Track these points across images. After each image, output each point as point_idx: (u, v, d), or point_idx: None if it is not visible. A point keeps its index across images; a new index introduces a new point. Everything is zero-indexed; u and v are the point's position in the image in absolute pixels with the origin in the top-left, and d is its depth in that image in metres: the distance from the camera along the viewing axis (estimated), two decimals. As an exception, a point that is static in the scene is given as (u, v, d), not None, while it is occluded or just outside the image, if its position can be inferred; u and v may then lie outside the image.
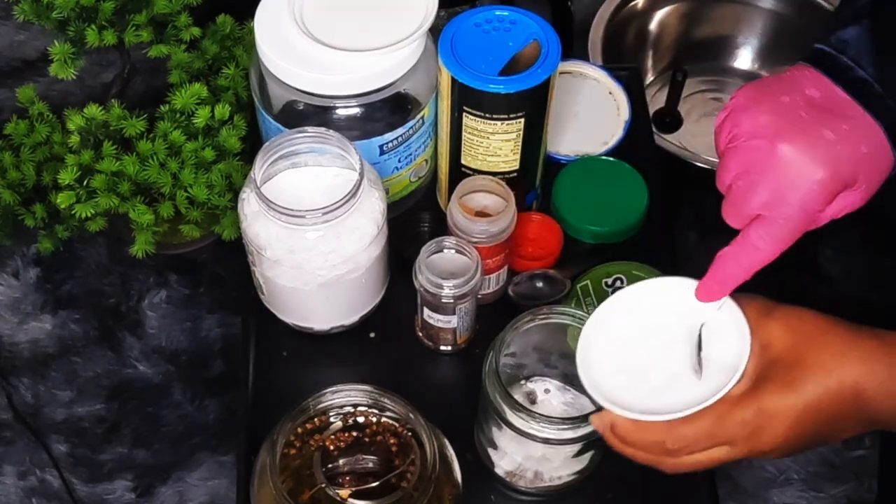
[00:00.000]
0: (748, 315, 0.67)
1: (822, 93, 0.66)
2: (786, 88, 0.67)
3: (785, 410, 0.63)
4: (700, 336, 0.69)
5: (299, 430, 0.76)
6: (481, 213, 0.89)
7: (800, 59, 0.68)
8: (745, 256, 0.67)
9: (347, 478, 0.79)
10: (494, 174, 0.90)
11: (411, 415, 0.75)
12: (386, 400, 0.76)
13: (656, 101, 1.67)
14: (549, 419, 0.74)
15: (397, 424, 0.77)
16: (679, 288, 0.70)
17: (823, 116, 0.65)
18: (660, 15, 1.70)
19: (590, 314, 0.73)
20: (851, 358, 0.63)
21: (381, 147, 0.90)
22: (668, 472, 0.69)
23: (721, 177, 0.68)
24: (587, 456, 0.81)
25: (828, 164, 0.64)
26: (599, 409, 0.70)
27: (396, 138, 0.91)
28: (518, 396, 0.81)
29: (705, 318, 0.69)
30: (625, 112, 1.05)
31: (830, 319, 0.65)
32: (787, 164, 0.64)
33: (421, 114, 0.91)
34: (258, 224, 0.82)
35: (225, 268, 1.56)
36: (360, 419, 0.78)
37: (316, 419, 0.77)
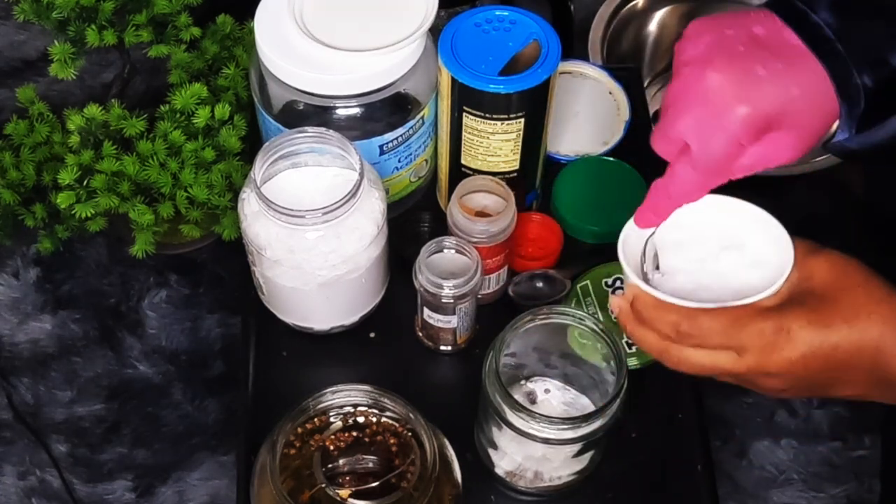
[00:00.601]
0: (797, 248, 0.67)
1: (768, 31, 0.66)
2: (733, 23, 0.67)
3: (805, 338, 0.63)
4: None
5: (299, 430, 0.76)
6: (481, 213, 0.89)
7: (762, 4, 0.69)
8: (672, 186, 0.68)
9: (347, 478, 0.79)
10: (494, 174, 0.90)
11: (411, 415, 0.75)
12: (386, 400, 0.76)
13: (656, 101, 1.67)
14: (549, 419, 0.74)
15: (397, 424, 0.77)
16: (735, 208, 0.70)
17: (760, 53, 0.65)
18: (660, 15, 1.70)
19: (590, 314, 0.74)
20: (881, 313, 0.63)
21: (381, 147, 0.90)
22: (669, 365, 0.68)
23: (664, 98, 0.69)
24: (587, 456, 0.81)
25: (752, 98, 0.64)
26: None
27: (396, 138, 0.91)
28: (518, 396, 0.81)
29: (755, 240, 0.69)
30: (625, 112, 1.05)
31: (873, 271, 0.65)
32: (712, 93, 0.65)
33: (421, 114, 0.91)
34: (258, 224, 0.82)
35: (225, 268, 1.56)
36: (360, 419, 0.78)
37: (316, 419, 0.77)
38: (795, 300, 0.64)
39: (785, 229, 0.68)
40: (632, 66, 1.11)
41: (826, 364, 0.63)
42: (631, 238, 0.71)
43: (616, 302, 0.69)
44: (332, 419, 0.78)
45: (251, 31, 0.98)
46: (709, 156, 0.66)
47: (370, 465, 0.79)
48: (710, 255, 0.69)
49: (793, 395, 0.67)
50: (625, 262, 0.69)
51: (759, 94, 0.64)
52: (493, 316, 0.89)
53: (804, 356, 0.63)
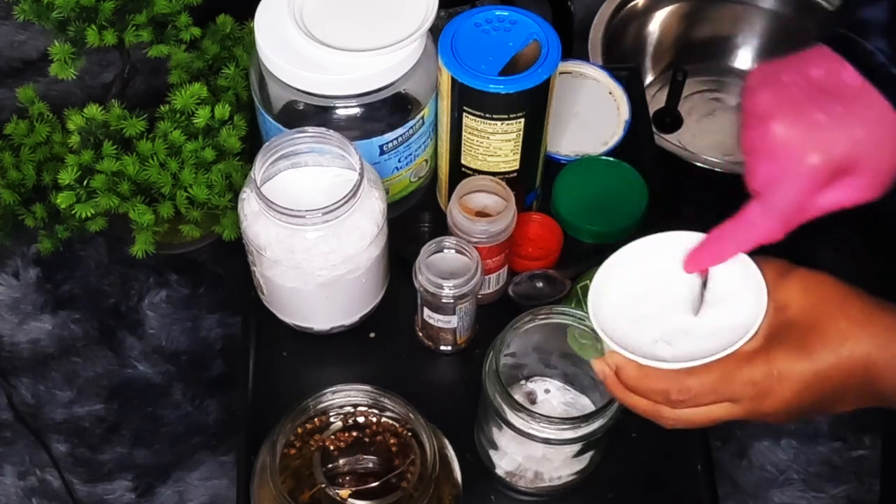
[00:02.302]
0: (766, 275, 0.66)
1: (826, 73, 0.65)
2: (790, 67, 0.66)
3: (795, 375, 0.62)
4: (704, 286, 0.69)
5: (299, 430, 0.76)
6: (481, 213, 0.89)
7: (817, 40, 0.68)
8: (740, 231, 0.67)
9: (347, 478, 0.79)
10: (494, 174, 0.90)
11: (411, 415, 0.75)
12: (386, 400, 0.76)
13: (656, 101, 1.67)
14: (550, 419, 0.74)
15: (397, 424, 0.77)
16: (695, 243, 0.70)
17: (819, 98, 0.64)
18: (660, 15, 1.70)
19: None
20: (867, 330, 0.62)
21: (381, 147, 0.91)
22: (665, 426, 0.68)
23: (741, 147, 0.69)
24: (587, 456, 0.81)
25: (818, 146, 0.64)
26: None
27: (396, 138, 0.91)
28: (518, 396, 0.81)
29: (721, 275, 0.68)
30: (625, 112, 1.05)
31: (849, 287, 0.65)
32: (778, 145, 0.64)
33: (421, 114, 0.91)
34: (258, 224, 0.82)
35: (225, 268, 1.56)
36: (360, 419, 0.78)
37: (316, 419, 0.77)
38: (777, 336, 0.64)
39: (751, 259, 0.67)
40: (632, 66, 1.11)
41: (820, 392, 0.63)
42: (602, 299, 0.70)
43: (599, 368, 0.68)
44: (332, 419, 0.78)
45: (251, 31, 0.98)
46: (782, 206, 0.65)
47: (370, 465, 0.79)
48: (681, 298, 0.69)
49: (795, 420, 0.67)
50: (599, 328, 0.68)
51: (823, 141, 0.64)
52: (493, 316, 0.89)
53: (797, 392, 0.63)
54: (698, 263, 0.69)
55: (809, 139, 0.64)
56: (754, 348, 0.64)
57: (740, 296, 0.67)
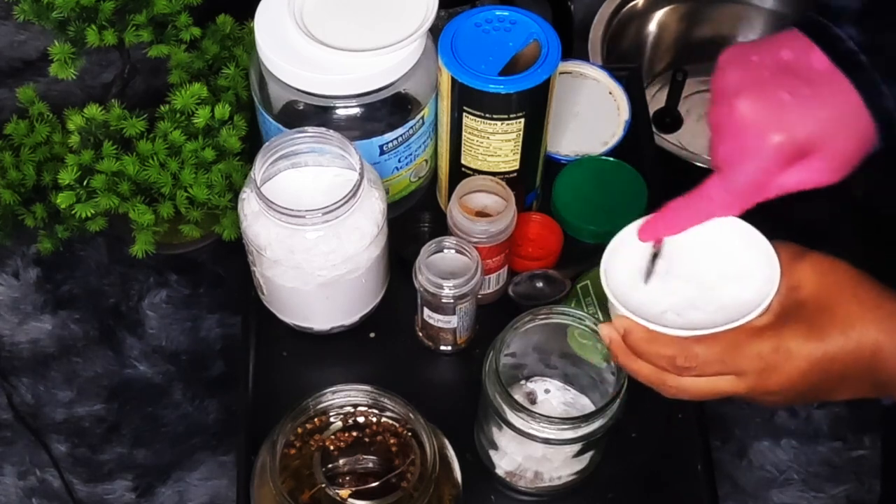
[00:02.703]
0: (781, 256, 0.66)
1: (795, 55, 0.66)
2: (761, 48, 0.67)
3: (803, 353, 0.63)
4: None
5: (299, 430, 0.76)
6: (481, 213, 0.89)
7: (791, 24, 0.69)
8: (697, 204, 0.68)
9: (347, 478, 0.79)
10: (494, 174, 0.90)
11: (411, 415, 0.75)
12: (386, 400, 0.76)
13: (656, 101, 1.67)
14: (550, 419, 0.74)
15: (397, 424, 0.77)
16: (718, 221, 0.70)
17: (786, 79, 0.65)
18: (660, 15, 1.70)
19: (590, 314, 0.73)
20: (877, 315, 0.62)
21: (381, 147, 0.91)
22: (667, 395, 0.68)
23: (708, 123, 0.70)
24: (587, 456, 0.81)
25: (780, 125, 0.64)
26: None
27: (396, 138, 0.91)
28: (518, 396, 0.81)
29: (736, 253, 0.68)
30: (625, 112, 1.05)
31: (861, 273, 0.65)
32: (742, 122, 0.65)
33: (421, 114, 0.91)
34: (258, 224, 0.82)
35: (225, 268, 1.56)
36: (360, 419, 0.78)
37: (316, 419, 0.77)
38: (788, 315, 0.64)
39: (766, 239, 0.67)
40: (632, 66, 1.11)
41: (825, 374, 0.63)
42: (614, 264, 0.70)
43: (606, 332, 0.69)
44: (332, 419, 0.78)
45: (251, 31, 0.98)
46: (741, 182, 0.66)
47: (370, 465, 0.79)
48: (695, 271, 0.69)
49: (791, 404, 0.67)
50: (610, 292, 0.68)
51: (787, 122, 0.64)
52: (493, 316, 0.89)
53: (803, 372, 0.63)
54: (652, 232, 0.69)
55: (773, 118, 0.64)
56: (765, 324, 0.64)
57: (753, 274, 0.67)
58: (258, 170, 0.81)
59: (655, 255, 0.70)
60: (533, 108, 0.86)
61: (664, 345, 0.65)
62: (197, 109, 1.17)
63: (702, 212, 0.68)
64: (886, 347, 0.62)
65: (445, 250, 0.86)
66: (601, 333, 0.69)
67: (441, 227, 0.90)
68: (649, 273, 0.69)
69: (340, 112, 0.89)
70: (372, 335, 0.93)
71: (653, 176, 1.00)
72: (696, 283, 0.68)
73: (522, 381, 0.86)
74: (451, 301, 0.85)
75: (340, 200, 0.79)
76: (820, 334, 0.63)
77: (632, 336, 0.67)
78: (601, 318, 0.87)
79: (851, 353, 0.62)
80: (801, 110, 0.64)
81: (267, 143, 0.82)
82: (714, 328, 0.64)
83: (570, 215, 0.97)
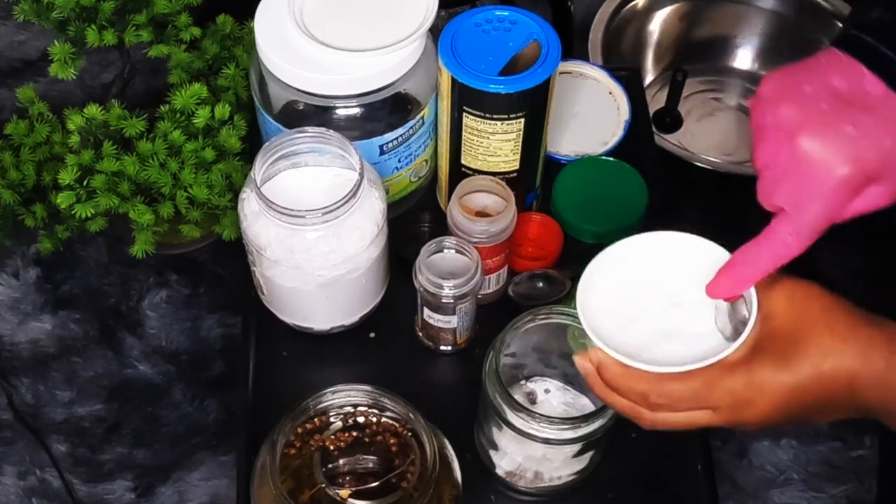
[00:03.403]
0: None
1: (848, 82, 0.64)
2: (810, 77, 0.65)
3: (775, 387, 0.62)
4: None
5: (299, 430, 0.76)
6: (481, 213, 0.89)
7: (829, 43, 0.66)
8: (772, 251, 0.65)
9: (347, 478, 0.79)
10: (494, 174, 0.90)
11: (411, 415, 0.75)
12: (386, 400, 0.76)
13: (656, 101, 1.67)
14: (550, 419, 0.74)
15: (397, 424, 0.77)
16: (693, 246, 0.68)
17: (846, 109, 0.63)
18: (660, 15, 1.70)
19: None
20: (849, 344, 0.62)
21: (381, 147, 0.91)
22: (644, 427, 0.68)
23: (754, 160, 0.67)
24: (587, 456, 0.81)
25: (849, 160, 0.62)
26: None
27: (396, 138, 0.91)
28: (518, 396, 0.81)
29: (709, 276, 0.67)
30: (625, 112, 1.05)
31: (835, 299, 0.64)
32: (807, 160, 0.63)
33: (421, 114, 0.91)
34: (258, 224, 0.82)
35: (225, 268, 1.56)
36: (360, 419, 0.78)
37: (316, 419, 0.77)
38: (760, 346, 0.63)
39: None
40: (632, 66, 1.11)
41: (800, 405, 0.63)
42: (589, 292, 0.69)
43: (581, 363, 0.68)
44: (332, 419, 0.78)
45: (251, 31, 0.98)
46: (811, 223, 0.64)
47: (370, 465, 0.79)
48: (668, 300, 0.68)
49: (777, 428, 0.66)
50: (586, 323, 0.67)
51: (855, 155, 0.63)
52: (493, 316, 0.89)
53: (776, 405, 0.63)
54: (728, 289, 0.66)
55: (840, 153, 0.63)
56: (737, 358, 0.64)
57: (730, 303, 0.66)
58: (258, 170, 0.81)
59: (736, 311, 0.67)
60: (533, 108, 0.86)
61: (638, 381, 0.65)
62: (197, 109, 1.17)
63: (778, 258, 0.65)
64: (862, 375, 0.61)
65: (445, 250, 0.86)
66: (577, 363, 0.68)
67: (441, 227, 0.90)
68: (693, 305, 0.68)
69: (340, 112, 0.89)
70: (372, 335, 0.93)
71: (653, 176, 1.00)
72: (672, 312, 0.68)
73: (522, 381, 0.86)
74: (451, 301, 0.85)
75: (340, 200, 0.79)
76: (791, 366, 0.62)
77: (606, 371, 0.66)
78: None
79: (826, 383, 0.62)
80: (867, 142, 0.63)
81: (267, 143, 0.82)
82: (687, 365, 0.64)
83: (570, 215, 0.97)
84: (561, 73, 1.04)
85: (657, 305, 0.68)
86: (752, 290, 0.65)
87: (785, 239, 0.65)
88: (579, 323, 0.77)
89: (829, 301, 0.64)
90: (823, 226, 0.65)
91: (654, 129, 1.11)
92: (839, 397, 0.63)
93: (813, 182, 0.63)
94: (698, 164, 1.47)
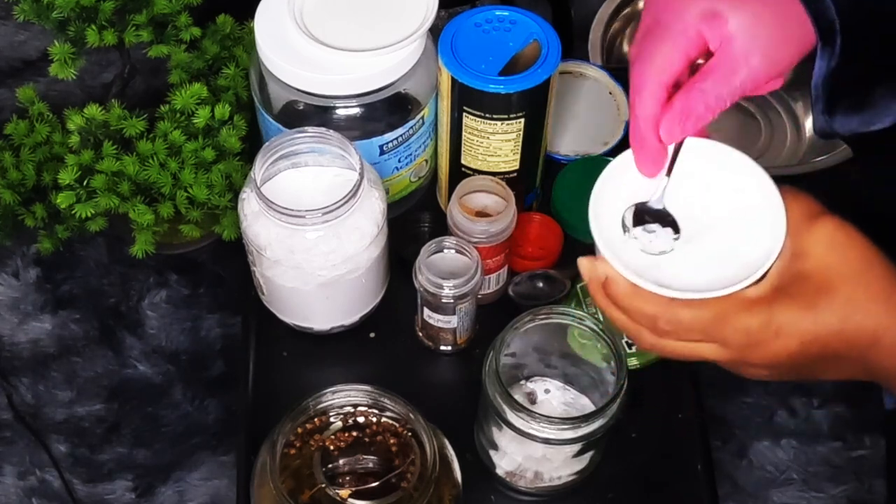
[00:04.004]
0: (792, 213, 0.60)
1: None
2: None
3: (794, 333, 0.58)
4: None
5: (299, 430, 0.76)
6: (481, 213, 0.89)
7: None
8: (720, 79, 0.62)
9: (347, 478, 0.79)
10: (494, 174, 0.90)
11: (411, 415, 0.75)
12: (386, 400, 0.76)
13: (656, 101, 1.67)
14: (550, 419, 0.74)
15: (397, 424, 0.77)
16: (724, 159, 0.63)
17: None
18: (660, 15, 1.70)
19: (590, 314, 0.72)
20: (882, 306, 0.58)
21: (381, 147, 0.90)
22: (642, 348, 0.64)
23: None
24: (587, 456, 0.81)
25: None
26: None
27: (396, 138, 0.91)
28: (518, 396, 0.81)
29: (742, 200, 0.62)
30: (625, 112, 1.05)
31: (877, 253, 0.59)
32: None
33: (421, 114, 0.91)
34: (258, 224, 0.82)
35: (225, 268, 1.56)
36: (360, 419, 0.78)
37: (316, 419, 0.77)
38: (786, 287, 0.59)
39: (778, 191, 0.61)
40: (632, 67, 1.11)
41: (814, 356, 0.59)
42: (604, 198, 0.63)
43: (585, 268, 0.62)
44: (332, 419, 0.78)
45: (251, 31, 0.98)
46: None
47: (370, 465, 0.79)
48: (693, 212, 0.63)
49: (772, 379, 0.62)
50: (597, 231, 0.61)
51: None
52: (494, 316, 0.89)
53: (791, 352, 0.59)
54: (676, 129, 0.62)
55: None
56: (758, 295, 0.59)
57: (757, 228, 0.61)
58: (258, 170, 0.81)
59: (673, 161, 0.62)
60: (533, 108, 0.86)
61: (646, 302, 0.60)
62: (197, 109, 1.17)
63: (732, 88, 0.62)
64: (885, 341, 0.58)
65: (445, 250, 0.86)
66: (581, 269, 0.62)
67: (441, 227, 0.90)
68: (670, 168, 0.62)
69: (340, 112, 0.89)
70: (372, 335, 0.93)
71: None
72: (693, 226, 0.62)
73: (522, 381, 0.86)
74: (451, 301, 0.85)
75: (340, 200, 0.79)
76: (814, 315, 0.58)
77: (613, 287, 0.61)
78: (601, 318, 0.87)
79: (847, 339, 0.58)
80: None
81: (267, 143, 0.82)
82: (703, 293, 0.58)
83: (570, 215, 0.97)
84: (561, 73, 1.04)
85: (678, 217, 0.63)
86: (783, 216, 0.60)
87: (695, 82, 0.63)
88: (580, 323, 0.77)
89: (871, 254, 0.59)
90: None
91: (654, 129, 1.11)
92: (854, 357, 0.59)
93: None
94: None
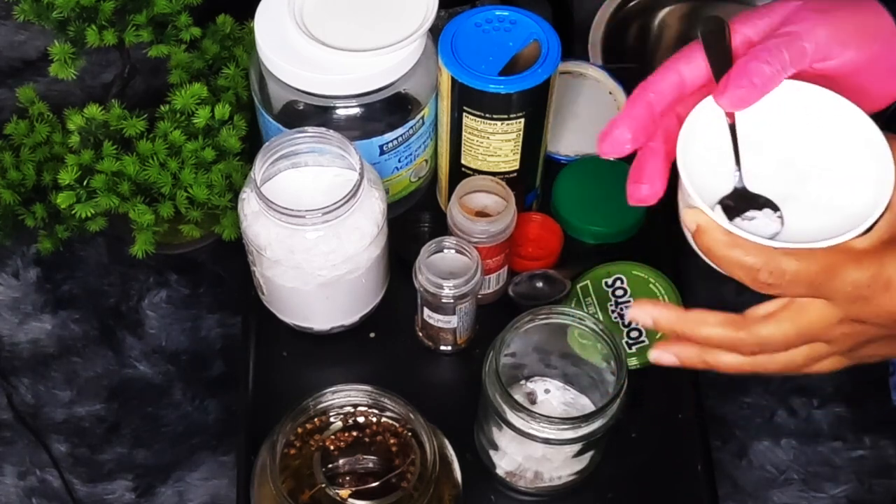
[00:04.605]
0: None
1: None
2: None
3: None
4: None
5: (299, 430, 0.76)
6: (481, 213, 0.89)
7: None
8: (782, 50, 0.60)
9: (347, 478, 0.79)
10: (494, 174, 0.90)
11: (411, 415, 0.75)
12: (386, 400, 0.76)
13: (657, 101, 1.67)
14: (550, 419, 0.74)
15: (397, 424, 0.77)
16: (828, 105, 0.60)
17: None
18: (661, 15, 1.70)
19: (591, 314, 0.71)
20: None
21: (381, 147, 0.90)
22: (721, 369, 0.61)
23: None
24: (587, 456, 0.81)
25: None
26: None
27: (396, 138, 0.91)
28: (518, 396, 0.81)
29: (846, 148, 0.60)
30: (625, 112, 1.05)
31: None
32: None
33: (421, 114, 0.91)
34: (258, 224, 0.82)
35: (225, 268, 1.56)
36: (360, 419, 0.78)
37: (316, 419, 0.77)
38: (895, 239, 0.56)
39: (885, 139, 0.58)
40: (632, 67, 1.11)
41: None
42: (693, 142, 0.59)
43: (686, 219, 0.58)
44: (332, 419, 0.78)
45: (251, 31, 0.98)
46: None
47: (370, 465, 0.79)
48: (790, 160, 0.60)
49: (868, 340, 0.59)
50: (686, 176, 0.57)
51: None
52: (494, 316, 0.89)
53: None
54: (741, 98, 0.60)
55: None
56: (865, 247, 0.56)
57: (861, 177, 0.58)
58: (258, 170, 0.81)
59: (734, 132, 0.59)
60: (533, 108, 0.86)
61: (747, 252, 0.56)
62: (197, 109, 1.17)
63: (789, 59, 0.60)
64: None
65: (445, 250, 0.86)
66: (683, 219, 0.58)
67: (441, 227, 0.90)
68: (737, 155, 0.60)
69: (340, 112, 0.89)
70: (372, 335, 0.93)
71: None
72: (790, 174, 0.60)
73: (522, 381, 0.86)
74: (451, 301, 0.85)
75: (340, 200, 0.79)
76: None
77: (706, 236, 0.57)
78: (601, 317, 0.87)
79: None
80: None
81: (267, 143, 0.82)
82: (809, 243, 0.55)
83: (570, 215, 0.97)
84: (561, 73, 1.04)
85: (772, 166, 0.60)
86: (892, 165, 0.57)
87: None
88: (580, 323, 0.77)
89: None
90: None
91: (654, 129, 1.10)
92: None
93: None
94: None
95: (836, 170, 0.60)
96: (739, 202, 0.60)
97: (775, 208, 0.60)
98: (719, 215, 0.57)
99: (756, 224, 0.59)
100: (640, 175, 0.64)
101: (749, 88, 0.60)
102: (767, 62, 0.60)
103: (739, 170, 0.60)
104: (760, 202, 0.60)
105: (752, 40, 0.63)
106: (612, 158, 0.64)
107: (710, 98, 0.62)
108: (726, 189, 0.60)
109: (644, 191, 0.64)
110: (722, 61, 0.62)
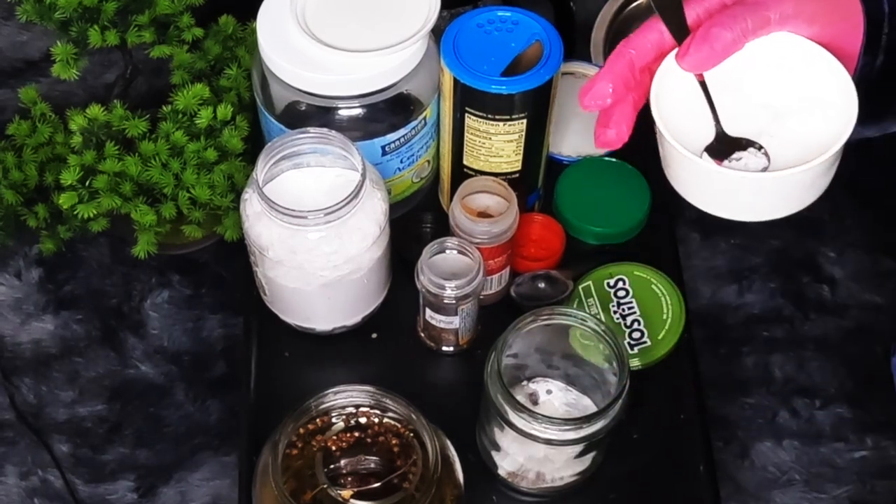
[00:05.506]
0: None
1: None
2: None
3: None
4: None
5: (301, 430, 0.76)
6: (483, 214, 0.89)
7: None
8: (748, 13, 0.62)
9: (349, 478, 0.79)
10: (496, 175, 0.90)
11: (413, 415, 0.75)
12: (388, 400, 0.76)
13: (658, 101, 1.67)
14: (552, 420, 0.74)
15: (399, 425, 0.77)
16: (785, 43, 0.63)
17: None
18: (662, 15, 1.70)
19: (593, 314, 0.71)
20: None
21: (383, 148, 0.91)
22: None
23: None
24: (589, 457, 0.81)
25: None
26: None
27: (398, 139, 0.91)
28: (520, 397, 0.81)
29: (810, 80, 0.63)
30: (627, 113, 1.05)
31: None
32: None
33: (423, 114, 0.91)
34: (260, 224, 0.82)
35: (227, 268, 1.56)
36: (362, 420, 0.78)
37: (318, 420, 0.77)
38: None
39: (844, 69, 0.61)
40: (634, 67, 1.11)
41: None
42: (667, 87, 0.63)
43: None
44: (334, 420, 0.78)
45: (253, 32, 0.99)
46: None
47: (372, 465, 0.79)
48: (763, 97, 0.63)
49: None
50: (661, 122, 0.62)
51: None
52: (495, 317, 0.89)
53: None
54: (700, 59, 0.63)
55: None
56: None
57: (827, 103, 0.61)
58: (260, 170, 0.81)
59: (705, 86, 0.63)
60: (535, 108, 0.86)
61: None
62: (199, 110, 1.17)
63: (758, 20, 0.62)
64: None
65: (447, 251, 0.86)
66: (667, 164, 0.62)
67: (443, 227, 0.90)
68: (712, 107, 0.63)
69: (342, 113, 0.89)
70: (374, 336, 0.93)
71: (655, 176, 1.00)
72: (764, 111, 0.63)
73: (524, 382, 0.86)
74: (453, 302, 0.85)
75: (342, 201, 0.79)
76: None
77: None
78: (603, 318, 0.87)
79: None
80: None
81: (269, 144, 0.82)
82: (794, 169, 0.58)
83: (573, 216, 0.97)
84: (563, 73, 1.04)
85: (748, 108, 0.63)
86: (852, 84, 0.60)
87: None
88: (582, 323, 0.77)
89: None
90: None
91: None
92: None
93: None
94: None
95: (805, 99, 0.63)
96: (724, 146, 0.64)
97: (759, 147, 0.64)
98: (707, 160, 0.61)
99: (745, 163, 0.63)
100: (608, 120, 0.68)
101: (709, 53, 0.63)
102: (730, 28, 0.63)
103: (717, 120, 0.64)
104: (743, 143, 0.64)
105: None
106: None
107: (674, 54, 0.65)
108: (708, 137, 0.64)
109: (610, 135, 0.68)
110: (679, 26, 0.65)
